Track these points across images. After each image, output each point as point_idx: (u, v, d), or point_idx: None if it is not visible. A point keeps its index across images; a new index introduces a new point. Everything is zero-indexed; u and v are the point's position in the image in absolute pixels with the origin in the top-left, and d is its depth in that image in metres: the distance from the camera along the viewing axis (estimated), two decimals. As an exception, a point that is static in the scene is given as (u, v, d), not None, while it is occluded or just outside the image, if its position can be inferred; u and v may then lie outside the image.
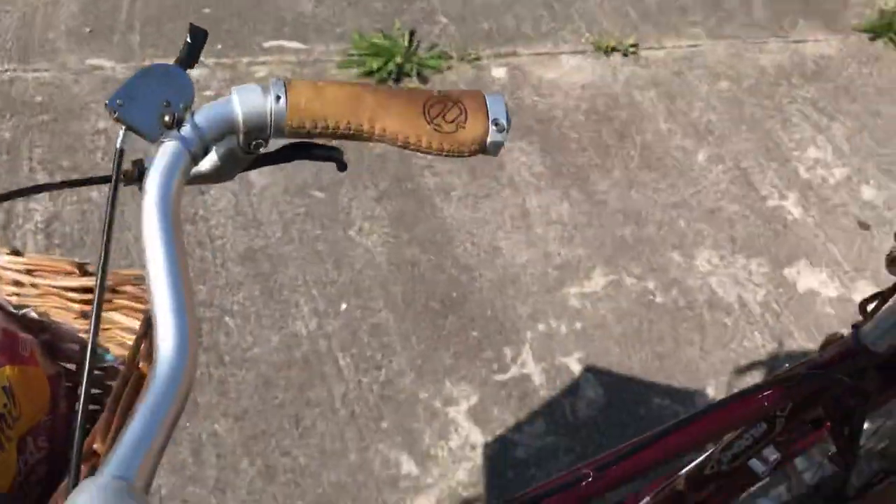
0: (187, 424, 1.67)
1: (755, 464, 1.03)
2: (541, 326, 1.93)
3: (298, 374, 1.78)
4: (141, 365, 0.59)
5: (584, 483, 0.69)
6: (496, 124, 0.55)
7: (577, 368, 1.87)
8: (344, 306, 1.90)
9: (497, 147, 0.55)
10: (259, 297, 1.89)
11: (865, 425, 1.01)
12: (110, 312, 0.68)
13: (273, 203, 2.08)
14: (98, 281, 0.48)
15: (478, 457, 1.71)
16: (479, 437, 1.74)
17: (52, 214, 1.97)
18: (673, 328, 1.97)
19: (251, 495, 1.60)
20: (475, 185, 2.20)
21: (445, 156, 0.53)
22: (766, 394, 0.74)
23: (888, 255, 0.57)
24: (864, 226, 2.27)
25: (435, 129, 0.54)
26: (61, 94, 2.26)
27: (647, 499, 1.19)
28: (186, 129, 0.50)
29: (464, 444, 1.73)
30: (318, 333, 1.85)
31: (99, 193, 2.02)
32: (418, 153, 0.51)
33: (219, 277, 1.91)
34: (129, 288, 0.65)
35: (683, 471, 1.00)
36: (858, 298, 2.13)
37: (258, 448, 1.66)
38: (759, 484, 1.08)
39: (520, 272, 2.03)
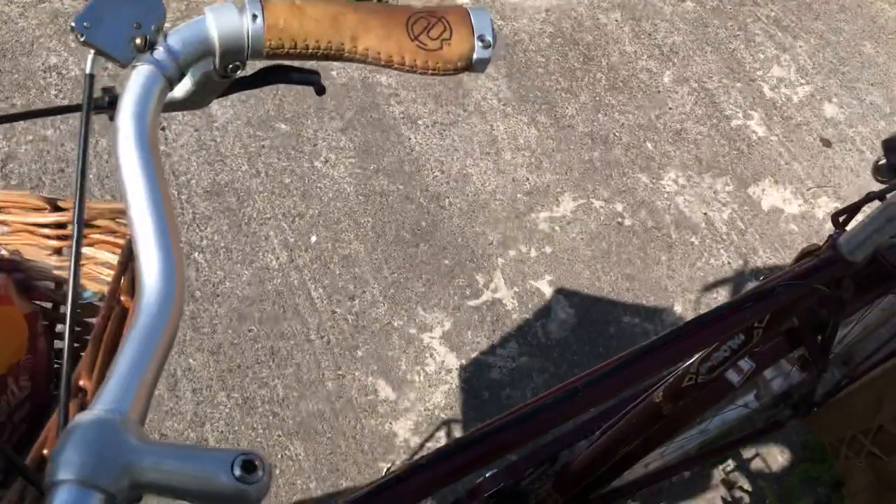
0: (162, 361, 1.66)
1: (731, 374, 1.06)
2: (511, 252, 1.94)
3: (271, 307, 1.77)
4: (123, 299, 0.57)
5: (574, 398, 0.70)
6: (482, 40, 0.53)
7: (548, 291, 1.89)
8: (314, 238, 1.89)
9: (483, 64, 0.53)
10: (228, 232, 1.86)
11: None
12: (86, 248, 0.66)
13: (236, 136, 2.03)
14: (75, 215, 0.46)
15: (453, 380, 1.74)
16: (453, 362, 1.76)
17: (7, 154, 1.90)
18: (641, 249, 2.00)
19: (230, 427, 1.61)
20: (442, 113, 2.17)
21: (431, 74, 0.52)
22: (748, 305, 0.76)
23: (875, 162, 0.58)
24: (826, 143, 2.30)
25: (419, 47, 0.52)
26: (8, 28, 2.15)
27: (623, 412, 1.23)
28: (160, 53, 0.47)
29: (439, 368, 1.75)
30: (290, 266, 1.84)
31: (55, 131, 1.95)
32: (401, 72, 0.49)
33: (185, 213, 1.88)
34: (103, 221, 0.63)
35: (661, 383, 1.03)
36: (821, 215, 2.17)
37: (234, 381, 1.66)
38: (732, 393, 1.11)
39: (489, 199, 2.03)
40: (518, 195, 2.04)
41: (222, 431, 1.61)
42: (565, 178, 2.10)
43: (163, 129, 2.00)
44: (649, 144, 2.21)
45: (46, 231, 0.69)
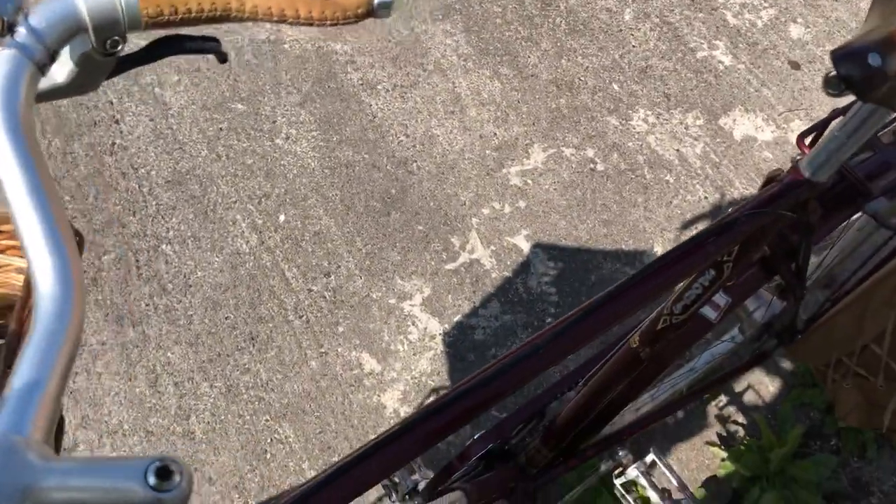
0: (140, 358, 1.63)
1: (707, 311, 1.03)
2: (485, 210, 1.91)
3: (246, 292, 1.74)
4: (32, 313, 0.54)
5: (539, 353, 0.67)
6: (381, -19, 0.49)
7: (525, 247, 1.86)
8: (283, 217, 1.85)
9: (386, 8, 0.49)
10: (194, 220, 1.82)
11: (812, 258, 1.02)
12: None
13: (193, 121, 1.98)
14: None
15: (438, 346, 1.72)
16: (436, 327, 1.74)
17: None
18: (616, 193, 1.97)
19: (216, 416, 1.58)
20: (401, 76, 2.12)
21: (330, 25, 0.48)
22: (711, 240, 0.73)
23: (825, 75, 0.55)
24: (794, 65, 2.25)
25: (312, -4, 0.48)
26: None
27: (600, 363, 1.21)
28: (22, 35, 0.43)
29: (422, 335, 1.73)
30: (261, 248, 1.80)
31: None
32: (298, 27, 0.45)
33: (148, 206, 1.83)
34: (8, 227, 0.58)
35: (635, 329, 1.00)
36: (794, 139, 2.14)
37: (216, 370, 1.64)
38: (712, 330, 1.09)
39: (458, 158, 1.98)
40: (487, 151, 2.00)
41: (209, 422, 1.59)
42: (533, 129, 2.05)
43: (116, 121, 1.95)
44: (615, 86, 2.16)
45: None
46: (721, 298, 1.02)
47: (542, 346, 0.68)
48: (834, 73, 0.57)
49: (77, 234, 0.43)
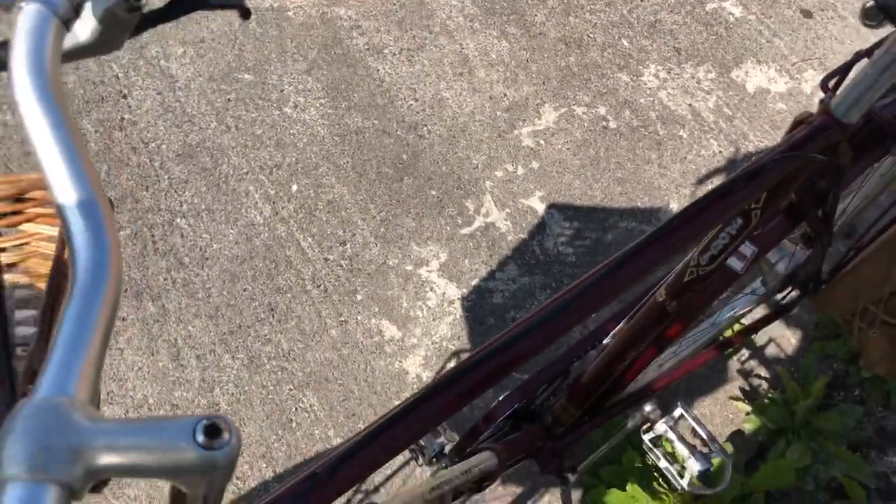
0: (161, 333, 1.63)
1: (733, 262, 1.02)
2: (498, 173, 1.89)
3: (263, 263, 1.73)
4: (66, 270, 0.53)
5: (568, 309, 0.66)
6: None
7: (540, 208, 1.85)
8: (295, 187, 1.84)
9: None
10: (207, 193, 1.81)
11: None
12: (25, 224, 0.61)
13: (201, 93, 1.96)
14: None
15: (457, 310, 1.71)
16: (455, 292, 1.73)
17: (-34, 145, 1.84)
18: (630, 151, 1.95)
19: (239, 388, 1.59)
20: (407, 39, 2.09)
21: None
22: (740, 186, 0.71)
23: (863, 6, 0.53)
24: (806, 14, 2.21)
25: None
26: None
27: (626, 318, 1.20)
28: None
29: (441, 301, 1.72)
30: (275, 219, 1.79)
31: None
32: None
33: (161, 180, 1.82)
34: (38, 193, 0.58)
35: (662, 282, 0.99)
36: (809, 89, 2.11)
37: (237, 342, 1.64)
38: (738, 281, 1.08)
39: (468, 121, 1.96)
40: (497, 113, 1.98)
41: (233, 393, 1.59)
42: (544, 89, 2.03)
43: (124, 96, 1.93)
44: (625, 41, 2.13)
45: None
46: (747, 248, 1.01)
47: (571, 302, 0.67)
48: (871, 3, 0.55)
49: (108, 199, 0.42)
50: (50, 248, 0.60)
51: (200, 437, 0.34)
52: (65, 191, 0.39)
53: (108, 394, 1.56)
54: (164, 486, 1.46)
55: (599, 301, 0.69)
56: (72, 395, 0.35)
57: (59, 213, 0.39)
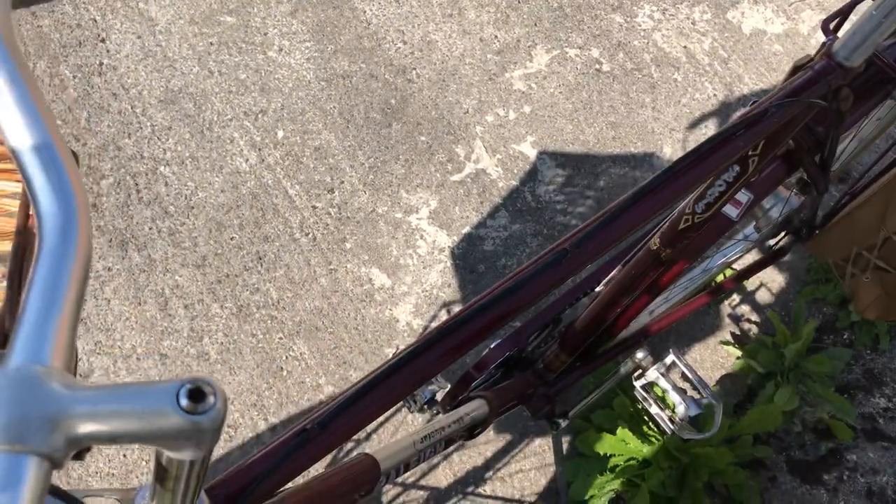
0: (147, 283, 1.62)
1: (729, 209, 1.01)
2: (489, 117, 1.86)
3: (250, 212, 1.71)
4: (36, 233, 0.51)
5: (564, 260, 0.65)
6: None
7: (532, 153, 1.82)
8: (281, 134, 1.80)
9: None
10: (191, 140, 1.77)
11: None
12: None
13: (182, 37, 1.90)
14: None
15: (447, 258, 1.70)
16: (445, 240, 1.72)
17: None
18: (623, 94, 1.91)
19: (229, 337, 1.58)
20: (394, -22, 2.03)
21: None
22: (740, 133, 0.69)
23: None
24: (804, -49, 2.16)
25: None
26: None
27: (619, 266, 1.19)
28: None
29: (431, 248, 1.71)
30: (261, 166, 1.76)
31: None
32: None
33: (143, 127, 1.78)
34: (3, 148, 0.54)
35: (657, 230, 0.98)
36: (806, 30, 2.07)
37: (225, 291, 1.63)
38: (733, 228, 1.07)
39: (458, 64, 1.92)
40: (488, 55, 1.94)
41: (222, 342, 1.58)
42: (535, 30, 1.98)
43: (102, 40, 1.87)
44: (618, -19, 2.07)
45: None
46: (743, 195, 1.00)
47: (570, 251, 0.65)
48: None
49: (71, 151, 0.39)
50: (13, 206, 0.58)
51: (184, 402, 0.32)
52: (23, 144, 0.37)
53: (95, 344, 1.55)
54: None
55: (595, 252, 0.67)
56: (47, 363, 0.33)
57: (21, 169, 0.37)
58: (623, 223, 0.67)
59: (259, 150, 1.77)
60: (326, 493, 0.74)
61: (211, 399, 0.33)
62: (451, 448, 1.54)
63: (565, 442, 1.55)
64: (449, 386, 1.31)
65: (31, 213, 0.51)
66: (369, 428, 1.53)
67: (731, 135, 0.70)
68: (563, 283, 0.69)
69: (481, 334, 0.68)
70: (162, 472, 0.39)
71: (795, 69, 0.79)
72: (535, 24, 1.98)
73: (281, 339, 1.60)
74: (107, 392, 0.33)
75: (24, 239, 0.49)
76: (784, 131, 0.78)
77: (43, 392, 0.32)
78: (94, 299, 1.58)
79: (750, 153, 0.81)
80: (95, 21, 1.89)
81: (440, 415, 1.21)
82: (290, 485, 0.61)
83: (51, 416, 0.31)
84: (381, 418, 1.54)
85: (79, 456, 0.39)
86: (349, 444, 1.50)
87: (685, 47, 1.99)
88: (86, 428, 0.32)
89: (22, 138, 0.36)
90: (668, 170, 0.70)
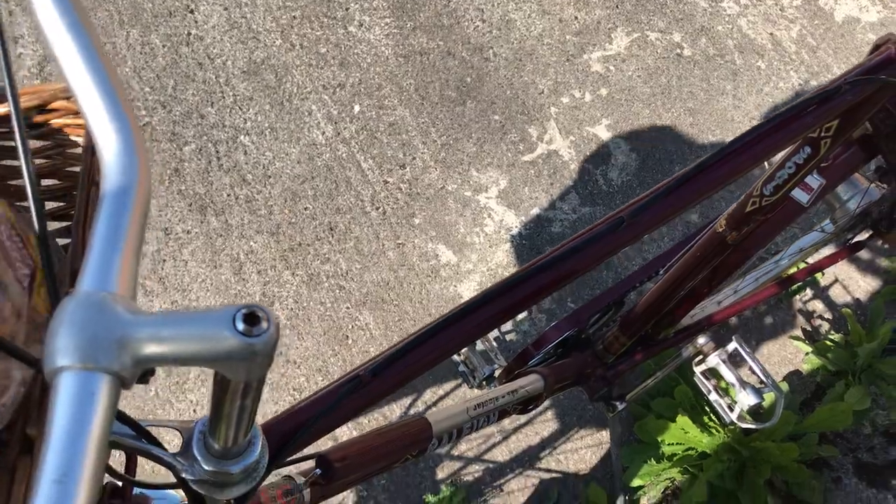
0: (223, 247, 1.68)
1: (798, 193, 0.98)
2: (564, 99, 1.85)
3: (323, 183, 1.75)
4: (98, 179, 0.54)
5: (620, 229, 0.65)
6: None
7: (606, 136, 1.81)
8: (357, 108, 1.83)
9: None
10: (270, 111, 1.83)
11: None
12: (53, 136, 0.61)
13: (266, 10, 1.96)
14: (10, 98, 0.41)
15: (514, 238, 1.70)
16: (513, 219, 1.72)
17: None
18: (704, 80, 1.87)
19: (299, 303, 1.63)
20: (476, -42, 2.03)
21: None
22: (810, 109, 0.68)
23: None
24: (906, -63, 2.06)
25: None
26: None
27: (682, 252, 1.17)
28: None
29: (498, 227, 1.72)
30: (336, 140, 1.80)
31: None
32: None
33: (226, 97, 1.84)
34: (60, 104, 0.57)
35: (724, 212, 0.96)
36: (902, 18, 1.97)
37: (297, 259, 1.67)
38: (803, 214, 1.04)
39: (536, 44, 1.91)
40: (567, 36, 1.92)
41: (292, 308, 1.63)
42: (616, 12, 1.95)
43: (191, 11, 1.94)
44: (705, -36, 2.02)
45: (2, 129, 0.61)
46: (814, 180, 0.97)
47: (626, 220, 0.65)
48: None
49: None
50: (77, 159, 0.61)
51: (240, 326, 0.35)
52: (90, 97, 0.39)
53: (172, 303, 1.62)
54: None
55: (651, 223, 0.67)
56: (113, 289, 0.35)
57: (83, 114, 0.39)
58: (682, 196, 0.67)
59: (335, 123, 1.81)
60: (381, 447, 0.77)
61: (264, 324, 0.35)
62: (508, 423, 1.55)
63: (622, 426, 1.54)
64: (506, 363, 1.32)
65: (93, 164, 0.54)
66: (429, 401, 1.56)
67: (800, 111, 0.69)
68: (618, 251, 0.69)
69: (534, 296, 0.68)
70: (219, 399, 0.42)
71: (876, 47, 0.76)
72: (617, 6, 1.96)
73: (348, 308, 1.63)
74: (169, 317, 0.36)
75: (88, 190, 0.53)
76: (859, 112, 0.75)
77: (111, 315, 0.34)
78: (172, 260, 1.65)
79: (822, 134, 0.79)
80: (186, -6, 1.96)
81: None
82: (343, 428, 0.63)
83: (118, 337, 0.33)
84: (442, 393, 1.56)
85: (143, 379, 0.41)
86: (405, 400, 1.53)
87: (771, 34, 1.93)
88: (151, 349, 0.34)
89: (86, 88, 0.39)
90: (732, 144, 0.69)
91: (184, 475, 0.50)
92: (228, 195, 1.73)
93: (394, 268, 1.68)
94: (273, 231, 1.70)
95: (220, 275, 1.65)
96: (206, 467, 0.49)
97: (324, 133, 1.80)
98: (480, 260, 1.68)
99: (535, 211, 1.74)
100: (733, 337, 1.17)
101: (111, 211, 0.38)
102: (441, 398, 1.57)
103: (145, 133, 1.73)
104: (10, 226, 0.50)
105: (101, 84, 0.39)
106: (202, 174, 1.74)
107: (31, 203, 0.41)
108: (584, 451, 1.52)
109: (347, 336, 1.61)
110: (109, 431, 0.33)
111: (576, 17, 1.94)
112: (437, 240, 1.70)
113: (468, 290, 1.66)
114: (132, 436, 0.49)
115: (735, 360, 1.21)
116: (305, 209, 1.73)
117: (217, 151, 1.77)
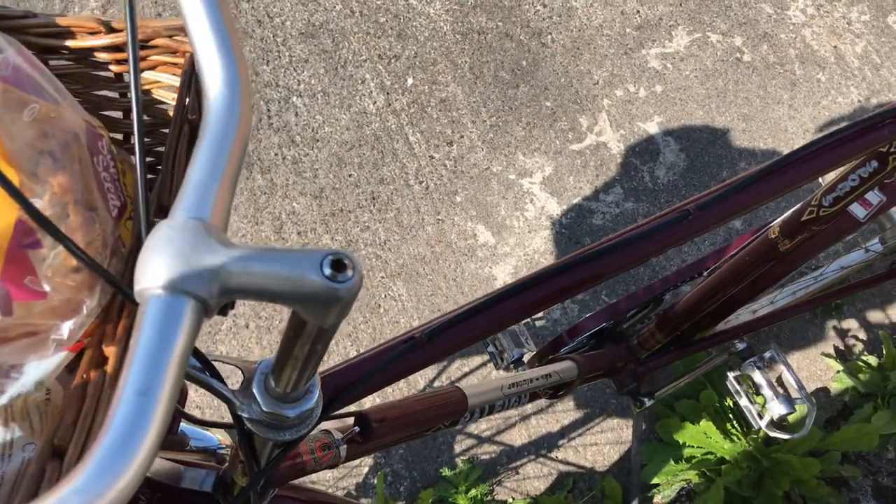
0: (266, 205, 1.69)
1: (856, 208, 0.97)
2: (618, 91, 1.84)
3: (370, 152, 1.76)
4: (191, 117, 0.55)
5: (685, 221, 0.65)
6: None
7: (656, 133, 1.79)
8: (410, 81, 1.84)
9: None
10: (324, 75, 1.83)
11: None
12: (147, 72, 0.62)
13: (329, -25, 1.96)
14: (129, 34, 0.42)
15: (554, 225, 1.70)
16: (554, 207, 1.72)
17: None
18: (761, 87, 1.85)
19: (335, 268, 1.64)
20: (544, -58, 2.02)
21: None
22: (885, 124, 0.67)
23: None
24: None
25: None
26: None
27: (729, 254, 1.17)
28: None
29: (539, 214, 1.72)
30: (387, 110, 1.80)
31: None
32: None
33: (282, 56, 1.85)
34: (161, 41, 0.58)
35: (779, 218, 0.96)
36: (972, 44, 1.93)
37: (337, 224, 1.69)
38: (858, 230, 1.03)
39: (595, 34, 1.90)
40: (627, 30, 1.91)
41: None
42: (679, 10, 1.93)
43: (256, -30, 1.95)
44: (775, -30, 1.99)
45: (104, 56, 0.63)
46: (875, 196, 0.96)
47: (692, 213, 0.65)
48: None
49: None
50: (168, 98, 0.62)
51: (327, 270, 0.35)
52: (204, 36, 0.40)
53: (212, 254, 1.64)
54: (284, 311, 1.54)
55: (716, 219, 0.67)
56: (207, 219, 0.36)
57: (195, 52, 0.40)
58: (752, 194, 0.67)
59: (387, 94, 1.82)
60: (417, 413, 0.78)
61: (350, 272, 0.35)
62: (529, 407, 1.56)
63: (644, 424, 1.54)
64: (536, 350, 1.33)
65: (187, 100, 0.55)
66: (454, 376, 1.57)
67: (876, 123, 0.68)
68: (681, 244, 0.69)
69: (592, 280, 0.69)
70: (291, 340, 0.42)
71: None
72: (681, 4, 1.94)
73: (382, 277, 1.65)
74: (260, 251, 0.36)
75: (180, 125, 0.53)
76: (935, 131, 0.74)
77: (204, 243, 0.34)
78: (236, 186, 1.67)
79: (892, 150, 0.78)
80: (252, -49, 1.97)
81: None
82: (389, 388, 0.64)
83: (209, 265, 0.34)
84: (468, 370, 1.57)
85: (223, 311, 0.42)
86: (447, 375, 1.55)
87: (835, 47, 1.90)
88: (239, 280, 0.35)
89: (199, 20, 0.40)
90: (803, 148, 0.68)
91: (240, 413, 0.51)
92: (276, 154, 1.74)
93: (431, 243, 1.68)
94: (316, 194, 1.71)
95: (260, 231, 1.67)
96: (264, 408, 0.50)
97: (375, 102, 1.81)
98: (518, 244, 1.68)
99: (577, 201, 1.73)
100: (771, 345, 1.17)
101: (212, 142, 0.39)
102: (465, 375, 1.58)
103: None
104: (111, 157, 0.52)
105: (213, 20, 0.40)
106: (252, 131, 1.76)
107: (135, 133, 0.42)
108: (604, 444, 1.53)
109: (380, 305, 1.63)
110: (189, 354, 0.34)
111: (638, 11, 1.93)
112: (477, 219, 1.71)
113: (503, 273, 1.66)
114: (198, 367, 0.50)
115: (769, 368, 1.21)
116: (350, 176, 1.74)
117: (269, 110, 1.78)
